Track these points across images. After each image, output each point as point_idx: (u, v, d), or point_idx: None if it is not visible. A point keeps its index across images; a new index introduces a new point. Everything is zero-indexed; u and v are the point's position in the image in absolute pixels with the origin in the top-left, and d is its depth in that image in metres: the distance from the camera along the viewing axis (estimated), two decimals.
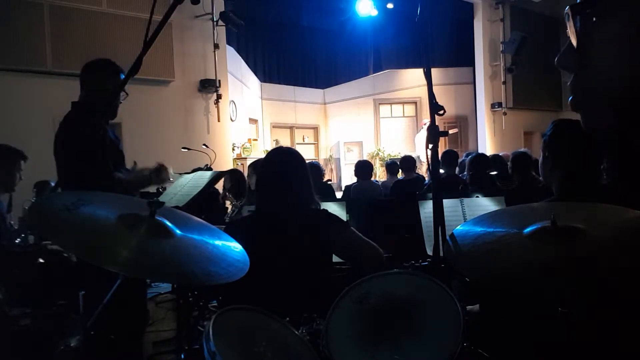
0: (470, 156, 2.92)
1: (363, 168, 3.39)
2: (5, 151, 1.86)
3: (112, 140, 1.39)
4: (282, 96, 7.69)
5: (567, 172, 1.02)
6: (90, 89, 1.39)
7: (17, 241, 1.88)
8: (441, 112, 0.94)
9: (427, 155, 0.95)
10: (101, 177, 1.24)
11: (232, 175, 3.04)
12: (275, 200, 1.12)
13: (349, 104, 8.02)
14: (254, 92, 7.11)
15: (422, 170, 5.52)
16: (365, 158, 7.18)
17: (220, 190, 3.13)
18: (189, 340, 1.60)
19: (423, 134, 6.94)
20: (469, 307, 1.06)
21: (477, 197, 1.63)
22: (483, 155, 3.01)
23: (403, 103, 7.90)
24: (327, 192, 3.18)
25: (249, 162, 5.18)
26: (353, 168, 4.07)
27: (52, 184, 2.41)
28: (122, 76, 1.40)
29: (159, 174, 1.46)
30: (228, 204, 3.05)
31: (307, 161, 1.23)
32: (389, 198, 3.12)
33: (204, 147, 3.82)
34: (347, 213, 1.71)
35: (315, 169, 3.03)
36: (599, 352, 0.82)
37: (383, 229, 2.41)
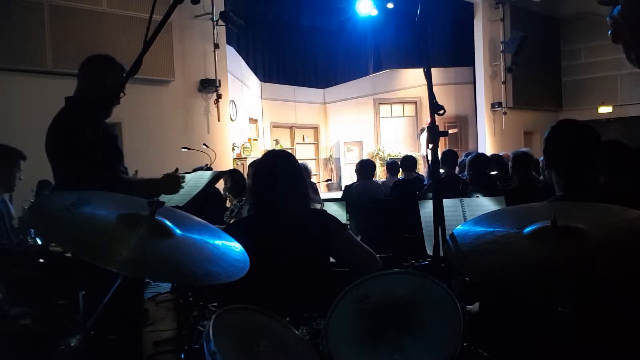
0: (470, 156, 2.92)
1: (367, 167, 3.34)
2: (5, 151, 1.85)
3: (112, 138, 1.37)
4: (282, 96, 7.69)
5: (567, 172, 1.02)
6: (87, 83, 1.35)
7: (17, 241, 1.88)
8: (441, 112, 0.94)
9: (427, 155, 0.95)
10: (100, 175, 1.21)
11: (232, 175, 3.04)
12: (273, 201, 1.13)
13: (349, 104, 8.01)
14: (254, 91, 7.10)
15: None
16: (365, 158, 7.18)
17: (221, 190, 3.14)
18: (189, 340, 1.60)
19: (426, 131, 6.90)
20: (468, 307, 1.06)
21: (477, 197, 1.63)
22: (483, 155, 3.01)
23: (403, 103, 7.89)
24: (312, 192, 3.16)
25: (249, 162, 5.17)
26: (353, 168, 4.06)
27: (53, 184, 2.40)
28: (124, 74, 1.37)
29: (170, 182, 1.34)
30: (228, 203, 3.05)
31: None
32: (389, 198, 3.12)
33: (204, 146, 3.81)
34: (347, 213, 1.72)
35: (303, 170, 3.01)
36: (599, 352, 0.82)
37: (383, 228, 2.41)
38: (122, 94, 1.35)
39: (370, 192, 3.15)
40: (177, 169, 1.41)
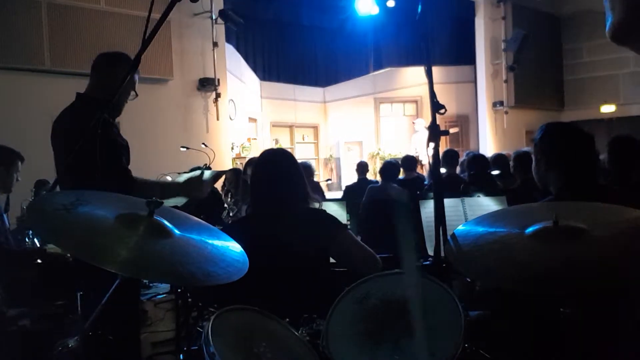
0: (467, 156, 2.91)
1: (390, 169, 3.17)
2: (3, 152, 1.85)
3: (123, 140, 1.33)
4: (282, 95, 7.67)
5: (563, 173, 1.02)
6: (100, 80, 1.33)
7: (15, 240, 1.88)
8: (442, 110, 0.93)
9: (427, 155, 0.94)
10: (111, 175, 1.16)
11: (235, 174, 3.04)
12: (272, 200, 1.12)
13: (349, 103, 8.00)
14: (253, 90, 7.09)
15: (419, 169, 5.49)
16: (365, 157, 7.16)
17: (220, 190, 3.13)
18: (188, 341, 1.60)
19: (419, 133, 6.92)
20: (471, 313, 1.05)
21: (479, 196, 1.63)
22: (480, 155, 2.99)
23: (403, 102, 7.88)
24: (315, 191, 3.11)
25: None
26: (354, 167, 4.03)
27: (50, 184, 2.40)
28: (136, 76, 1.36)
29: (194, 187, 1.28)
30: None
31: (300, 161, 1.22)
32: (390, 197, 3.10)
33: (203, 146, 3.80)
34: (347, 213, 1.71)
35: (306, 168, 2.98)
36: (600, 351, 0.82)
37: (383, 228, 2.40)
38: (134, 95, 1.34)
39: (389, 195, 2.96)
40: (202, 173, 1.33)
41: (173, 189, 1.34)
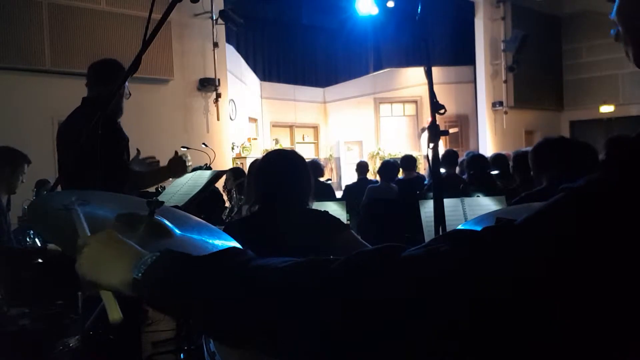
0: (466, 156, 2.91)
1: (389, 169, 3.18)
2: (10, 154, 1.87)
3: (125, 136, 1.40)
4: (282, 95, 7.68)
5: (546, 180, 1.04)
6: (98, 87, 1.39)
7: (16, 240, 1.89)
8: (442, 111, 0.93)
9: (427, 155, 0.95)
10: (114, 172, 1.21)
11: (236, 174, 3.04)
12: (275, 201, 1.12)
13: (349, 103, 8.01)
14: (253, 90, 7.10)
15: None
16: (365, 157, 7.17)
17: (221, 189, 3.14)
18: (188, 341, 1.60)
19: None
20: None
21: (478, 196, 1.63)
22: (480, 155, 2.99)
23: (403, 102, 7.88)
24: (327, 192, 3.14)
25: (248, 161, 5.17)
26: (354, 167, 4.03)
27: (52, 184, 2.40)
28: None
29: (177, 166, 1.42)
30: (227, 204, 3.04)
31: (306, 159, 1.23)
32: (390, 197, 3.11)
33: (204, 146, 3.81)
34: (347, 213, 1.71)
35: (314, 166, 2.98)
36: (599, 351, 0.82)
37: (383, 228, 2.41)
38: (128, 95, 1.40)
39: (386, 195, 2.99)
40: (176, 152, 1.47)
41: (162, 174, 1.46)
